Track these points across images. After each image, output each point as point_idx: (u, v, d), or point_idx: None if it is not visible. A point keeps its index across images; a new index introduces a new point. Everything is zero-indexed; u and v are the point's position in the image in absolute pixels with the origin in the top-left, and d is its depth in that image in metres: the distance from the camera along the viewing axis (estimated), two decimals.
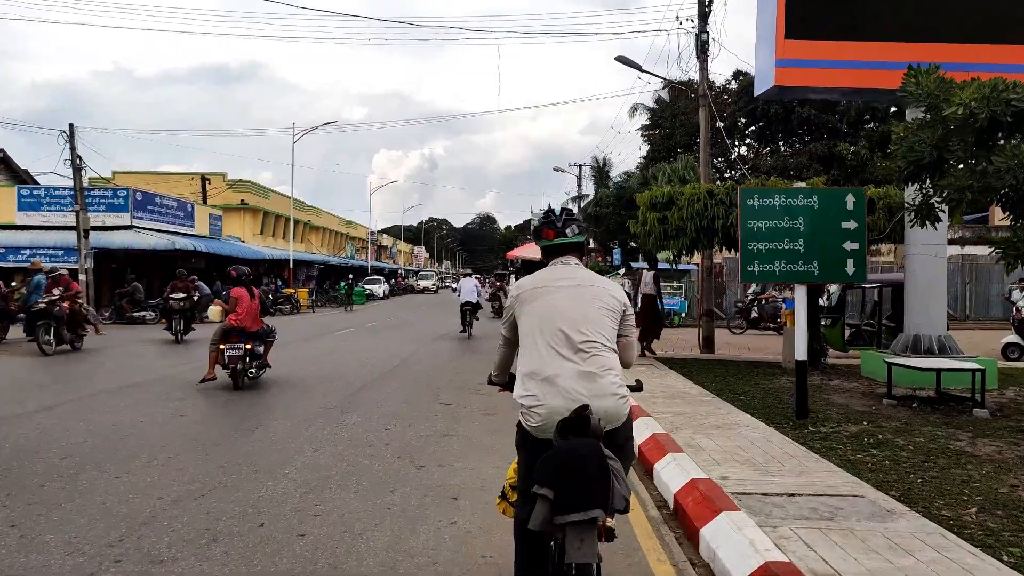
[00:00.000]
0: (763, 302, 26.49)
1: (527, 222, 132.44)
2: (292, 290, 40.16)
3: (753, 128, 50.79)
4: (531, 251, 32.87)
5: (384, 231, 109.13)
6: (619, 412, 3.38)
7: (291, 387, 11.79)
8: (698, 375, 12.77)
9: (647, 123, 59.70)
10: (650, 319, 16.59)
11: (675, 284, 29.17)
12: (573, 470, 3.07)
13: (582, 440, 3.14)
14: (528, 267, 34.41)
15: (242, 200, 43.22)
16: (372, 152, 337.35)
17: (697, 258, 29.09)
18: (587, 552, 3.04)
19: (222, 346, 11.48)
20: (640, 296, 17.05)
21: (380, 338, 21.16)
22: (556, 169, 47.19)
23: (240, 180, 43.61)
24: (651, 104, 59.65)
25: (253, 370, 11.82)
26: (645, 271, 17.49)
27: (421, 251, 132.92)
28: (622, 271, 43.45)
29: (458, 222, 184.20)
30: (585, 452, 3.10)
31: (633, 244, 62.18)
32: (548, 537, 3.27)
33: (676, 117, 56.12)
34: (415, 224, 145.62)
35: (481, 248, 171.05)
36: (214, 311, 25.68)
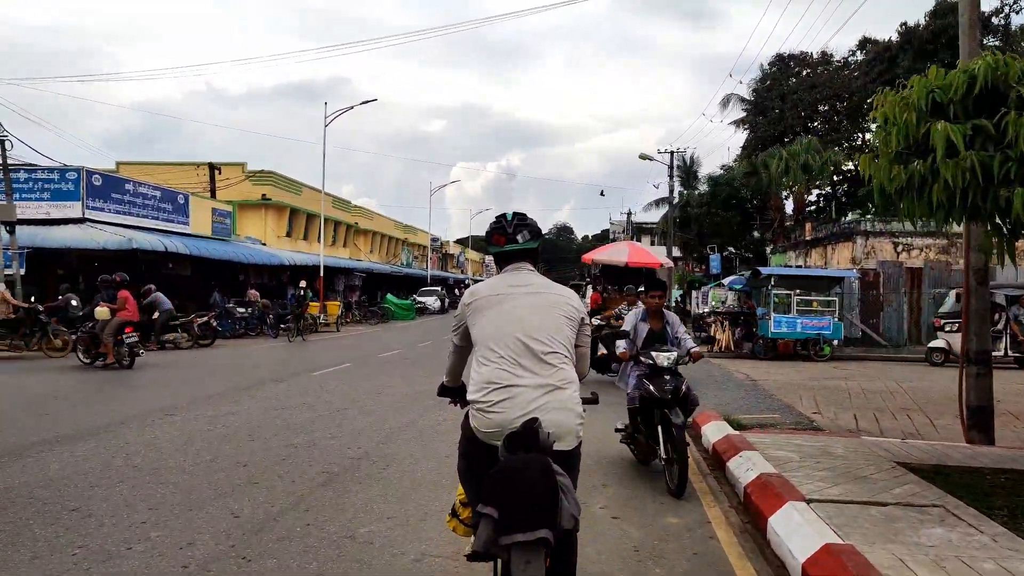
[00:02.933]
0: (605, 323, 14.67)
1: (605, 231, 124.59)
2: (316, 304, 32.67)
3: None
4: (612, 253, 24.45)
5: (459, 242, 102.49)
6: (574, 431, 3.29)
7: None
8: None
9: (747, 108, 50.66)
10: None
11: (821, 298, 20.30)
12: (519, 488, 2.93)
13: (530, 456, 3.01)
14: (608, 273, 26.03)
15: (263, 195, 36.08)
16: (449, 166, 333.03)
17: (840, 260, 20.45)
18: (533, 574, 2.87)
19: (120, 337, 15.25)
20: None
21: (359, 391, 13.15)
22: (643, 157, 38.75)
23: (261, 171, 36.49)
24: (747, 95, 50.81)
25: (142, 350, 16.12)
26: None
27: (492, 261, 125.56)
28: (728, 280, 34.53)
29: None
30: (532, 468, 2.97)
31: (731, 249, 53.17)
32: (494, 558, 3.09)
33: (785, 97, 46.96)
34: (485, 239, 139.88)
35: (558, 258, 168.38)
36: (101, 312, 18.33)
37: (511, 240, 3.58)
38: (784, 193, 40.02)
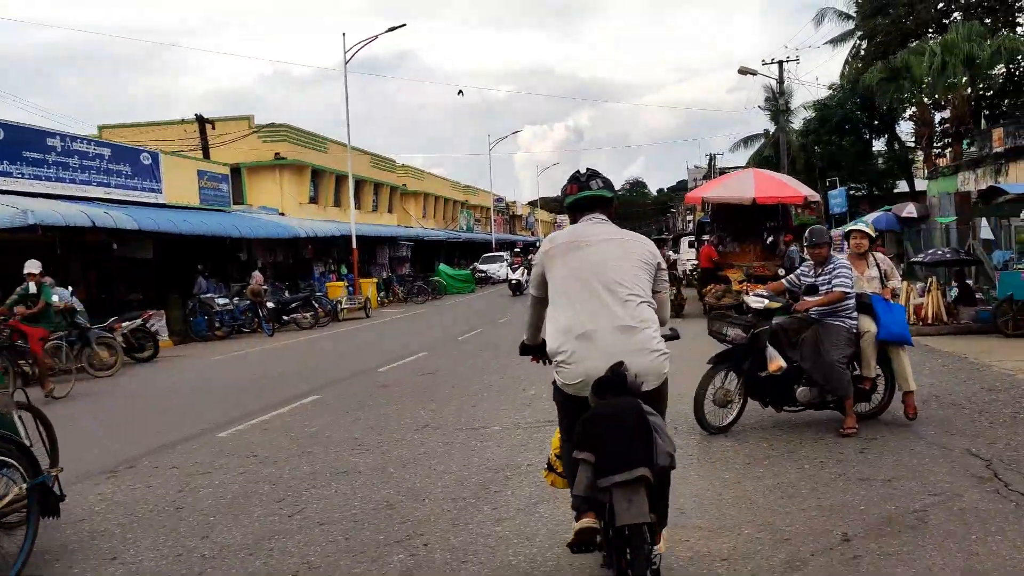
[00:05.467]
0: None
1: (681, 182, 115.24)
2: (339, 284, 26.00)
3: None
4: (733, 188, 17.02)
5: (528, 204, 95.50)
6: (657, 369, 3.31)
7: None
8: None
9: (858, 11, 41.48)
10: None
11: None
12: (614, 430, 3.01)
13: (620, 399, 3.08)
14: (725, 216, 18.47)
15: (276, 153, 29.40)
16: (517, 129, 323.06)
17: None
18: (637, 512, 2.94)
19: None
20: None
21: (265, 506, 6.09)
22: (743, 71, 30.57)
23: (271, 125, 29.78)
24: (844, 8, 41.81)
25: None
26: None
27: (564, 220, 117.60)
28: (871, 218, 26.24)
29: None
30: (624, 411, 3.04)
31: (855, 186, 44.11)
32: (595, 503, 3.14)
33: None
34: (561, 195, 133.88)
35: (631, 214, 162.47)
36: None
37: (584, 187, 3.60)
38: (929, 102, 31.27)
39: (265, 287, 20.91)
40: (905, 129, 42.32)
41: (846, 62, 44.94)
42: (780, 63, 31.88)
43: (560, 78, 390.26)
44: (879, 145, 44.72)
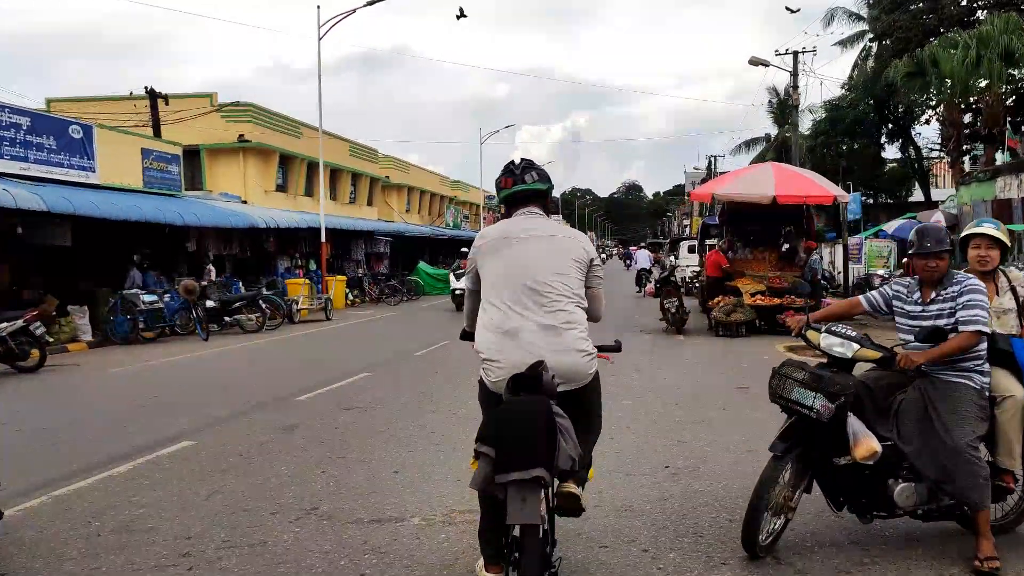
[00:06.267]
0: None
1: (678, 187, 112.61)
2: (299, 282, 23.32)
3: None
4: (748, 184, 14.36)
5: None
6: (581, 370, 3.24)
7: None
8: None
9: (865, 17, 39.04)
10: None
11: None
12: (517, 428, 2.90)
13: (531, 397, 2.99)
14: (738, 217, 15.92)
15: (240, 135, 26.65)
16: (514, 130, 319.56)
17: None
18: (530, 513, 2.84)
19: None
20: None
21: None
22: (754, 62, 27.92)
23: (235, 104, 27.01)
24: (855, 10, 39.54)
25: None
26: None
27: (559, 220, 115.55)
28: (893, 227, 23.66)
29: (603, 192, 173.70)
30: (532, 409, 2.93)
31: (867, 192, 41.60)
32: (493, 497, 3.01)
33: None
34: (556, 195, 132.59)
35: (627, 217, 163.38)
36: None
37: (519, 180, 3.48)
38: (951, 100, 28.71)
39: (205, 283, 18.25)
40: (924, 133, 39.99)
41: (855, 64, 42.59)
42: (795, 53, 29.18)
43: (559, 79, 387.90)
44: (892, 151, 42.40)
